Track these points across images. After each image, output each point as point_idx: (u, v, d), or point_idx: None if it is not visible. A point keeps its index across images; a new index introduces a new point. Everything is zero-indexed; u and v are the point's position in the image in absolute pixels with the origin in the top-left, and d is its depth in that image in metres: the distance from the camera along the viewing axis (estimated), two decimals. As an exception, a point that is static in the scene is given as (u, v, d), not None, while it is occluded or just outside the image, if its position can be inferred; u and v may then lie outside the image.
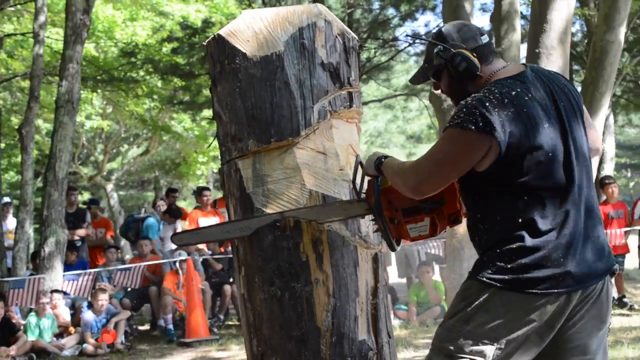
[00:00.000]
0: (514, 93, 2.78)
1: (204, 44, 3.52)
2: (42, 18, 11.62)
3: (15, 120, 19.52)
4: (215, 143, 3.54)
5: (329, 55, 3.36)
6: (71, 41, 10.84)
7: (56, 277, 10.42)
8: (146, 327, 12.11)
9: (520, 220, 2.79)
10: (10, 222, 12.50)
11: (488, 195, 2.88)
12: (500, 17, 7.76)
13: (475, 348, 2.78)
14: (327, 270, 3.25)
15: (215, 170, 26.04)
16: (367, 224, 3.38)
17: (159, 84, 17.96)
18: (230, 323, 11.61)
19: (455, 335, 2.84)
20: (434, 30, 3.17)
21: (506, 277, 2.76)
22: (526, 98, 2.79)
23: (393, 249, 3.14)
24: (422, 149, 34.88)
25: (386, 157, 3.08)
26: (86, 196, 26.37)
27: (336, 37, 3.39)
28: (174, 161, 27.88)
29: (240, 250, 3.40)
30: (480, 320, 2.79)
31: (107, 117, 22.53)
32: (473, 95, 2.82)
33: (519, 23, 8.03)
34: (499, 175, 2.80)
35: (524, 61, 8.01)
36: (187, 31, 14.89)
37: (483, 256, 2.90)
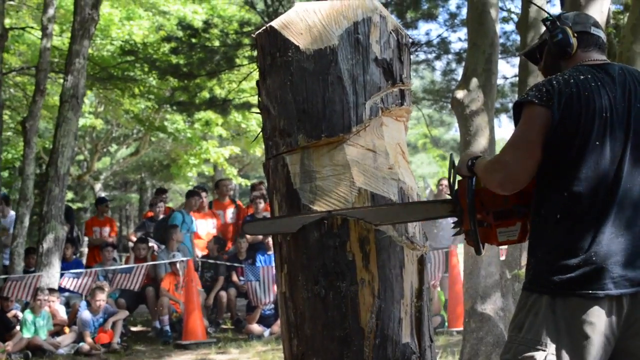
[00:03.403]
0: (582, 77, 2.78)
1: (253, 35, 3.45)
2: (51, 11, 11.52)
3: (5, 117, 19.23)
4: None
5: (383, 52, 3.29)
6: (79, 36, 10.73)
7: (54, 273, 10.28)
8: (139, 327, 11.99)
9: (558, 217, 2.73)
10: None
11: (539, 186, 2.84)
12: (527, 24, 7.75)
13: (527, 354, 2.72)
14: (373, 271, 3.18)
15: (208, 172, 25.89)
16: (413, 225, 3.32)
17: (155, 83, 17.81)
18: (225, 327, 11.53)
19: (512, 345, 2.80)
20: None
21: (550, 281, 2.70)
22: (593, 84, 2.76)
23: (479, 253, 3.06)
24: (418, 158, 34.92)
25: (478, 157, 3.01)
26: (69, 195, 26.09)
27: (390, 33, 3.33)
28: (162, 163, 27.72)
29: (283, 248, 3.32)
30: (529, 325, 2.74)
31: (98, 115, 22.34)
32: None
33: (546, 31, 7.95)
34: (550, 161, 2.75)
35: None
36: (187, 32, 14.75)
37: (529, 260, 2.86)
